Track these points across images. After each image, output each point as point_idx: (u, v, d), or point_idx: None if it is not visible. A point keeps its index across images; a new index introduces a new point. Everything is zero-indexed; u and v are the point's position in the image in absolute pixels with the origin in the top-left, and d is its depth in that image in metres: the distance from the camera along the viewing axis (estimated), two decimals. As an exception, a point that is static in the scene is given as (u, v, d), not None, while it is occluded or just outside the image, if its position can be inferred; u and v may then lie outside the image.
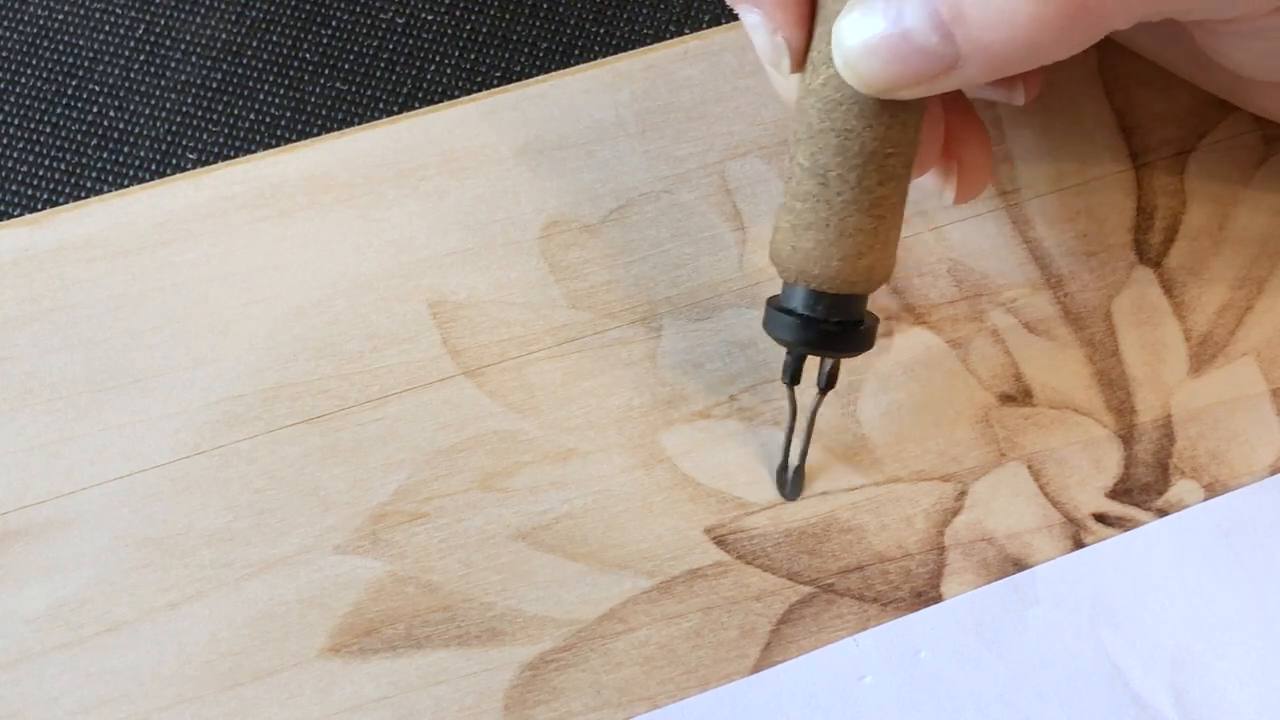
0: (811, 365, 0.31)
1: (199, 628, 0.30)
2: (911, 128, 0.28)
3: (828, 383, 0.31)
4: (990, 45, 0.26)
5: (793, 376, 0.31)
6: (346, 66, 0.56)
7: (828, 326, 0.29)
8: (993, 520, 0.32)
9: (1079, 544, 0.31)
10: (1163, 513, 0.32)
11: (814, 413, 0.31)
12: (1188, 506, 0.32)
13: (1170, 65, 0.35)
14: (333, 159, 0.35)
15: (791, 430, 0.32)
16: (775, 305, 0.30)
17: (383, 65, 0.56)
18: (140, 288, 0.33)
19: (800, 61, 0.29)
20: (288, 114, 0.56)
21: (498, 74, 0.56)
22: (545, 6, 0.57)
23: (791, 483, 0.32)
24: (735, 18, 0.30)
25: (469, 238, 0.34)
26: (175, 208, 0.34)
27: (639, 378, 0.33)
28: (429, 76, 0.56)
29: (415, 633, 0.30)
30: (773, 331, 0.30)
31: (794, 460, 0.32)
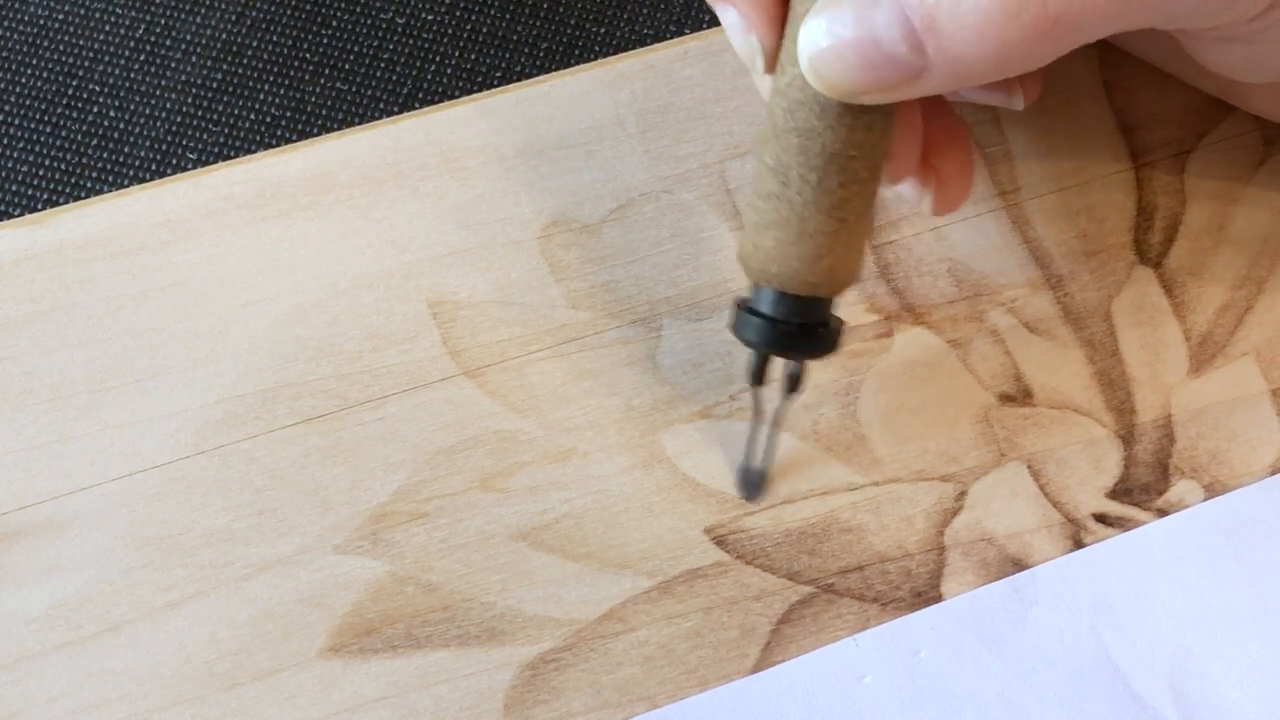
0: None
1: (199, 628, 0.30)
2: (877, 131, 0.28)
3: (791, 386, 0.31)
4: (960, 57, 0.26)
5: (756, 377, 0.30)
6: (346, 66, 0.56)
7: (788, 328, 0.29)
8: (993, 520, 0.32)
9: (1079, 544, 0.31)
10: (1163, 513, 0.32)
11: (779, 416, 0.31)
12: (1188, 506, 0.32)
13: (1167, 67, 0.35)
14: (333, 159, 0.35)
15: (755, 432, 0.31)
16: (740, 305, 0.30)
17: (383, 65, 0.56)
18: (140, 288, 0.33)
19: (772, 62, 0.28)
20: (288, 114, 0.56)
21: (498, 74, 0.56)
22: (545, 6, 0.57)
23: (755, 486, 0.31)
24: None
25: (469, 238, 0.34)
26: (175, 208, 0.34)
27: (639, 378, 0.33)
28: (429, 76, 0.56)
29: (415, 633, 0.30)
30: (735, 330, 0.30)
31: (759, 463, 0.31)
